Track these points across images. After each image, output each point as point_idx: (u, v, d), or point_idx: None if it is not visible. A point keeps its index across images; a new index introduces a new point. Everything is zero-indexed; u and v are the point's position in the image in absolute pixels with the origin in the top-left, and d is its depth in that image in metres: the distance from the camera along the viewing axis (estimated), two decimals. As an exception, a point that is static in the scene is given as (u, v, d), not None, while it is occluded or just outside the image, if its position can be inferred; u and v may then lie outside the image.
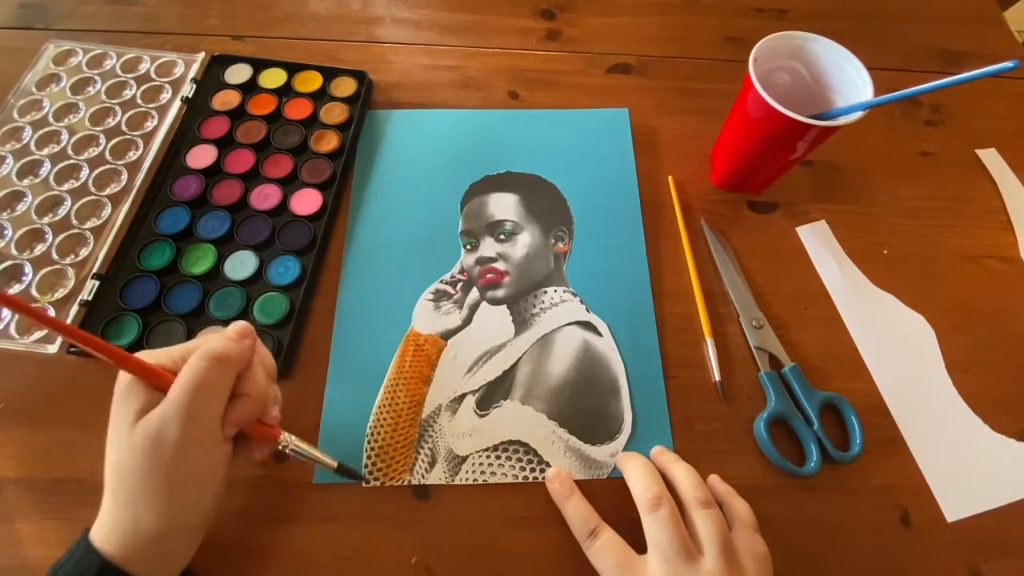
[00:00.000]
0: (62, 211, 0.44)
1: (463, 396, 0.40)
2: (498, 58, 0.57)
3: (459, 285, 0.44)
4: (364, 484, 0.37)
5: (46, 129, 0.48)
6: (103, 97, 0.50)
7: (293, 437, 0.33)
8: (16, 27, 0.55)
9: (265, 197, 0.46)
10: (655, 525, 0.32)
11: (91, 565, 0.27)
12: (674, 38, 0.59)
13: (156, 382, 0.28)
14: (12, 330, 0.40)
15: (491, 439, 0.39)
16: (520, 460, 0.38)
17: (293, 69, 0.53)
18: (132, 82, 0.51)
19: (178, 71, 0.52)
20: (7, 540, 0.35)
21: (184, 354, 0.29)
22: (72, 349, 0.40)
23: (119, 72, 0.52)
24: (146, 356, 0.29)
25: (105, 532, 0.28)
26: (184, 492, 0.29)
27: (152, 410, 0.27)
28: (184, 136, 0.49)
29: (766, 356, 0.42)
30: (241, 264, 0.44)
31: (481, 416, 0.40)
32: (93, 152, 0.47)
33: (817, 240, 0.48)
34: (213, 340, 0.29)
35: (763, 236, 0.48)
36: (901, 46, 0.60)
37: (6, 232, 0.43)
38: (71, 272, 0.42)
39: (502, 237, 0.46)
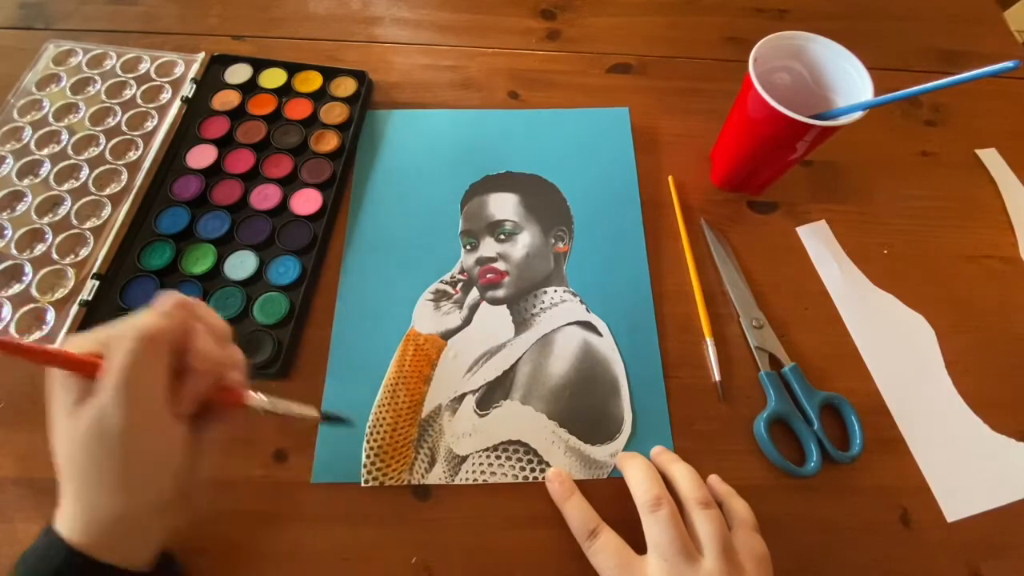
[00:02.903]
0: (62, 211, 0.44)
1: (463, 396, 0.40)
2: (498, 58, 0.57)
3: (459, 285, 0.44)
4: (363, 484, 0.37)
5: (46, 129, 0.48)
6: (103, 97, 0.50)
7: (262, 396, 0.31)
8: (16, 27, 0.55)
9: (265, 197, 0.46)
10: (655, 525, 0.32)
11: (56, 553, 0.27)
12: (674, 38, 0.59)
13: (87, 372, 0.27)
14: (12, 330, 0.40)
15: (491, 439, 0.39)
16: (520, 460, 0.38)
17: (293, 69, 0.53)
18: (132, 82, 0.51)
19: (178, 71, 0.52)
20: (7, 540, 0.35)
21: (113, 336, 0.27)
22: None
23: (119, 72, 0.52)
24: (72, 343, 0.27)
25: (68, 522, 0.28)
26: (138, 476, 0.28)
27: (88, 400, 0.26)
28: (184, 136, 0.49)
29: (766, 356, 0.42)
30: (241, 264, 0.44)
31: (481, 416, 0.40)
32: (93, 152, 0.47)
33: (817, 240, 0.48)
34: (139, 318, 0.27)
35: (763, 236, 0.48)
36: (901, 46, 0.60)
37: (6, 232, 0.43)
38: (71, 272, 0.42)
39: (502, 237, 0.46)
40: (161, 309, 0.28)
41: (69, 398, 0.27)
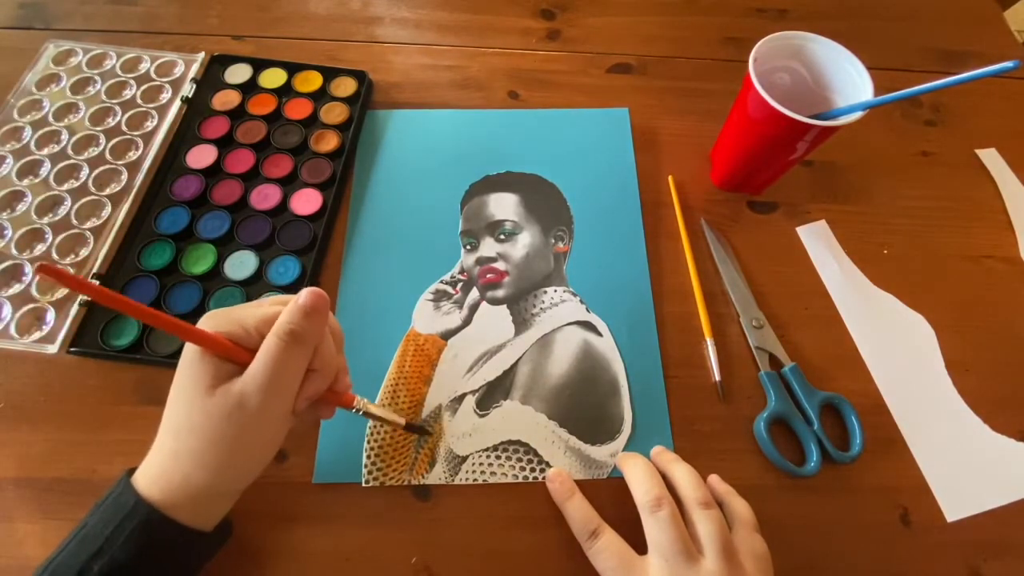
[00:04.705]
0: (62, 211, 0.44)
1: (463, 396, 0.40)
2: (498, 58, 0.57)
3: (459, 285, 0.44)
4: (364, 484, 0.37)
5: (46, 129, 0.48)
6: (103, 97, 0.50)
7: (365, 401, 0.34)
8: (16, 27, 0.55)
9: (265, 197, 0.46)
10: (656, 526, 0.32)
11: (126, 502, 0.28)
12: (674, 38, 0.59)
13: (233, 357, 0.28)
14: (12, 330, 0.40)
15: (491, 439, 0.39)
16: (520, 460, 0.38)
17: (293, 69, 0.53)
18: (132, 82, 0.51)
19: (178, 71, 0.52)
20: (7, 540, 0.35)
21: (258, 325, 0.29)
22: (72, 349, 0.40)
23: (119, 72, 0.52)
24: (216, 324, 0.29)
25: (151, 478, 0.29)
26: (243, 460, 0.30)
27: (230, 381, 0.28)
28: (184, 136, 0.49)
29: (766, 356, 0.42)
30: (241, 264, 0.44)
31: (481, 416, 0.40)
32: (93, 152, 0.47)
33: (817, 240, 0.48)
34: (289, 316, 0.28)
35: (763, 236, 0.48)
36: (901, 46, 0.60)
37: (6, 232, 0.43)
38: (71, 272, 0.42)
39: (502, 237, 0.46)
40: (308, 307, 0.29)
41: (207, 374, 0.28)
